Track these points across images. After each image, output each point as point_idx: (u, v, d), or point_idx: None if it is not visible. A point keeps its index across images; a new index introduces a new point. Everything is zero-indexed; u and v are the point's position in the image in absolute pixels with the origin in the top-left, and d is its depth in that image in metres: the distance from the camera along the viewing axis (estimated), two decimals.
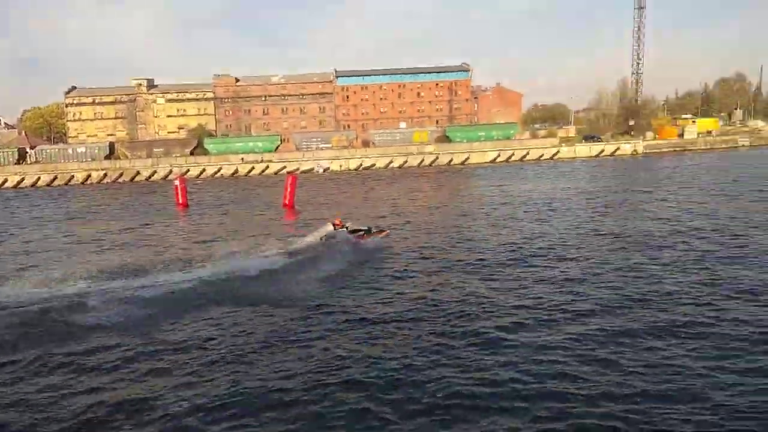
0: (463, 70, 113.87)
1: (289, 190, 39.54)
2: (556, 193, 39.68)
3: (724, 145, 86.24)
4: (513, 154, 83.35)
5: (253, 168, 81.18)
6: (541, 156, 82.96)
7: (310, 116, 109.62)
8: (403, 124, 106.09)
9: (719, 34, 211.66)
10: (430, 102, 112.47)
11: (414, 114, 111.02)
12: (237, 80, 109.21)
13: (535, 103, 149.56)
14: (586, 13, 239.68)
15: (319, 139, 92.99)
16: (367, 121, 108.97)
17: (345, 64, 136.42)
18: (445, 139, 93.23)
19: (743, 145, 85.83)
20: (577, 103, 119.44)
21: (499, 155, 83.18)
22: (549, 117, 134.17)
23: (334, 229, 20.65)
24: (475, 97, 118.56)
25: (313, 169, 79.93)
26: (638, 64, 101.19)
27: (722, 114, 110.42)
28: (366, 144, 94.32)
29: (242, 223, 31.96)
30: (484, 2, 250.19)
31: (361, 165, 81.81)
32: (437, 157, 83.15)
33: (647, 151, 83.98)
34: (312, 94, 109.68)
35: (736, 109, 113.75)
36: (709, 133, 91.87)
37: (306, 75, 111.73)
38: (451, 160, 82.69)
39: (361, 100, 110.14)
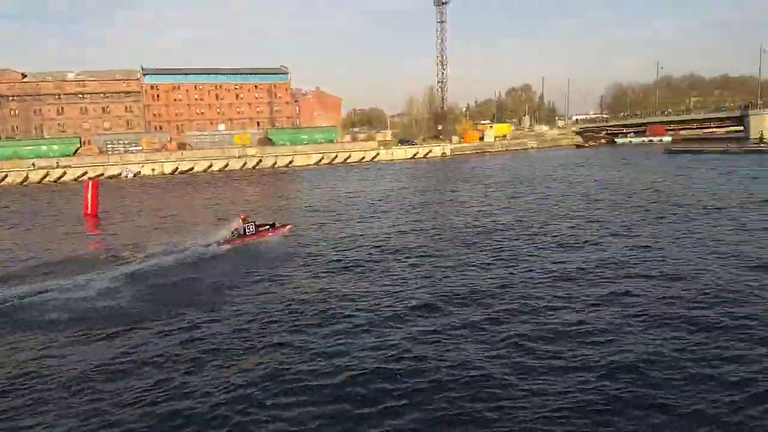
0: (282, 73, 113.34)
1: (90, 196, 35.58)
2: (379, 193, 41.43)
3: (516, 147, 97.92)
4: (336, 157, 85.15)
5: (47, 174, 71.50)
6: (362, 158, 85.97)
7: (115, 116, 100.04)
8: (222, 126, 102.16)
9: (511, 48, 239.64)
10: (249, 104, 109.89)
11: (234, 116, 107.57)
12: (24, 76, 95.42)
13: (354, 107, 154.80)
14: (393, 23, 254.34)
15: (126, 142, 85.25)
16: (182, 122, 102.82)
17: (153, 62, 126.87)
18: (267, 141, 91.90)
19: (531, 147, 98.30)
20: (392, 109, 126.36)
21: (322, 158, 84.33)
22: (367, 121, 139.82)
23: (242, 224, 21.82)
24: (296, 101, 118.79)
25: (120, 174, 73.06)
26: (442, 73, 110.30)
27: (514, 120, 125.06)
28: (182, 146, 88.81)
29: (38, 237, 27.94)
30: (303, 8, 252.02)
31: (177, 169, 76.82)
32: (260, 160, 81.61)
33: (454, 153, 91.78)
34: (116, 92, 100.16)
35: (524, 115, 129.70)
36: (504, 136, 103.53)
37: (108, 72, 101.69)
38: (275, 163, 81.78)
39: (174, 100, 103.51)
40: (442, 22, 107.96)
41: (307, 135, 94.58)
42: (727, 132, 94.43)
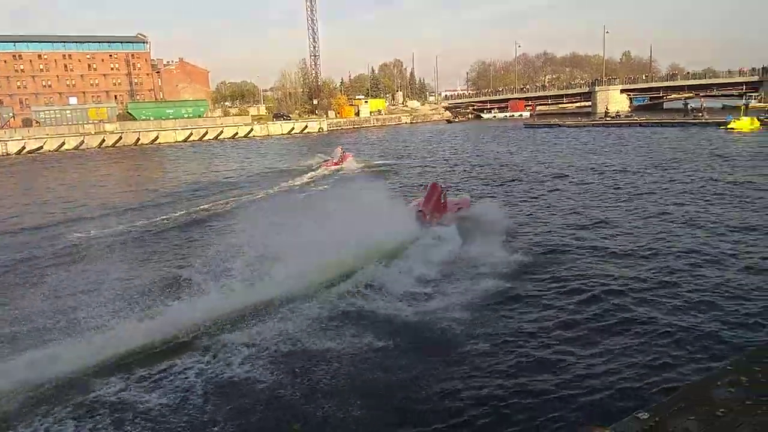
0: (140, 42, 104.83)
1: None
2: (258, 171, 39.79)
3: (391, 123, 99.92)
4: (207, 133, 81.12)
5: None
6: (235, 134, 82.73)
7: None
8: (74, 100, 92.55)
9: (385, 21, 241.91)
10: (105, 75, 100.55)
11: (87, 88, 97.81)
12: None
13: (223, 80, 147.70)
14: None
15: None
16: (26, 96, 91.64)
17: None
18: (128, 116, 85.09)
19: (406, 122, 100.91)
20: (264, 83, 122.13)
21: (191, 134, 79.91)
22: (238, 95, 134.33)
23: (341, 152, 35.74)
24: (157, 72, 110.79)
25: None
26: (314, 46, 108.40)
27: (387, 95, 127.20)
28: (28, 123, 79.34)
29: None
30: None
31: (24, 148, 68.55)
32: (121, 137, 75.36)
33: (331, 128, 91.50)
34: None
35: (397, 91, 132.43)
36: (379, 112, 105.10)
37: None
38: (138, 140, 75.99)
39: (15, 71, 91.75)
40: None
41: (173, 109, 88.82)
42: (578, 107, 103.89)
